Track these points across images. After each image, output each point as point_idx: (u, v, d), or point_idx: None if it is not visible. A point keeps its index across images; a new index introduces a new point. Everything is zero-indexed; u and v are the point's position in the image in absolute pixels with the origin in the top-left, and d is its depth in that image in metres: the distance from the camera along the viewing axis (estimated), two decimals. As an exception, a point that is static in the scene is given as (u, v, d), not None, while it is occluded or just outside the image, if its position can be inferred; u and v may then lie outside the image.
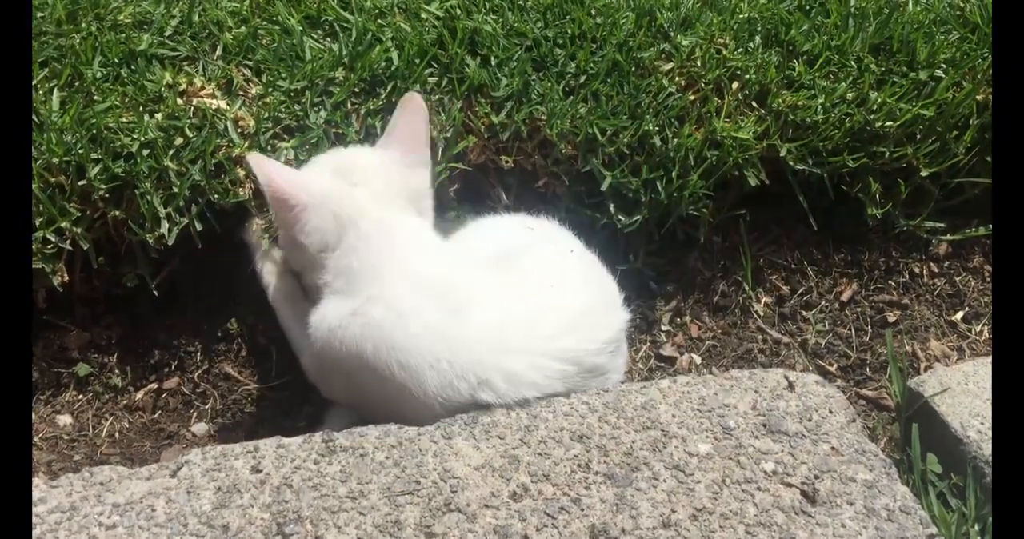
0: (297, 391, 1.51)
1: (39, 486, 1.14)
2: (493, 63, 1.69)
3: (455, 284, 1.33)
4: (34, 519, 1.09)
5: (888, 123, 1.70)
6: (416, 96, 1.43)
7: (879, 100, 1.72)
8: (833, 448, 1.25)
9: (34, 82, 1.54)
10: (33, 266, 1.39)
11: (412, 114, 1.42)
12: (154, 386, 1.52)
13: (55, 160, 1.42)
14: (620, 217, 1.63)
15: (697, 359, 1.65)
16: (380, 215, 1.37)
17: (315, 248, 1.35)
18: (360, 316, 1.28)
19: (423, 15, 1.78)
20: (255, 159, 1.31)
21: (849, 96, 1.72)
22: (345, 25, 1.73)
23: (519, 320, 1.30)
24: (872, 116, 1.70)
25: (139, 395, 1.50)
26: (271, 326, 1.57)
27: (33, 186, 1.40)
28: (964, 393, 1.44)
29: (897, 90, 1.74)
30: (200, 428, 1.46)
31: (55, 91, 1.52)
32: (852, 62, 1.79)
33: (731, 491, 1.18)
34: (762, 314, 1.72)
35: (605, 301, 1.40)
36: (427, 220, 1.46)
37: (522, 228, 1.49)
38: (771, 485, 1.20)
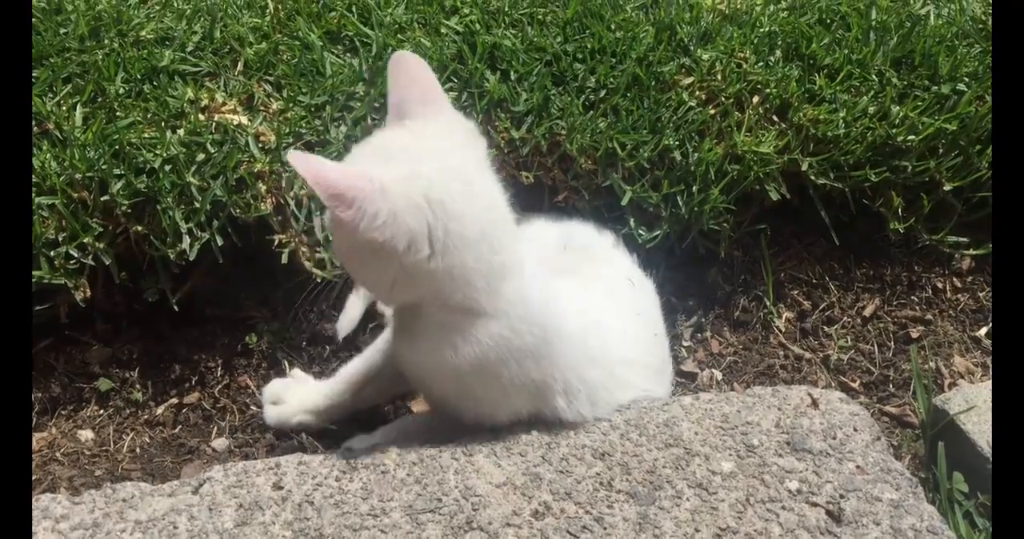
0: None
1: (61, 502, 1.14)
2: (513, 78, 1.69)
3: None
4: (57, 536, 1.09)
5: (910, 137, 1.69)
6: (404, 54, 1.18)
7: (901, 114, 1.71)
8: (858, 467, 1.24)
9: (57, 98, 1.55)
10: (55, 282, 1.39)
11: (412, 72, 1.17)
12: (175, 401, 1.52)
13: (78, 176, 1.43)
14: (641, 231, 1.62)
15: (718, 375, 1.64)
16: (472, 189, 1.14)
17: (402, 249, 1.08)
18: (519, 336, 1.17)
19: (443, 30, 1.78)
20: (297, 157, 1.02)
21: (871, 110, 1.72)
22: (365, 40, 1.74)
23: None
24: (894, 130, 1.69)
25: (160, 410, 1.51)
26: (289, 341, 1.57)
27: (56, 201, 1.40)
28: (990, 411, 1.42)
29: (919, 104, 1.73)
30: (220, 443, 1.46)
31: (78, 107, 1.53)
32: (874, 76, 1.78)
33: (755, 510, 1.17)
34: (783, 329, 1.71)
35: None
36: None
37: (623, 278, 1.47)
38: (796, 504, 1.18)
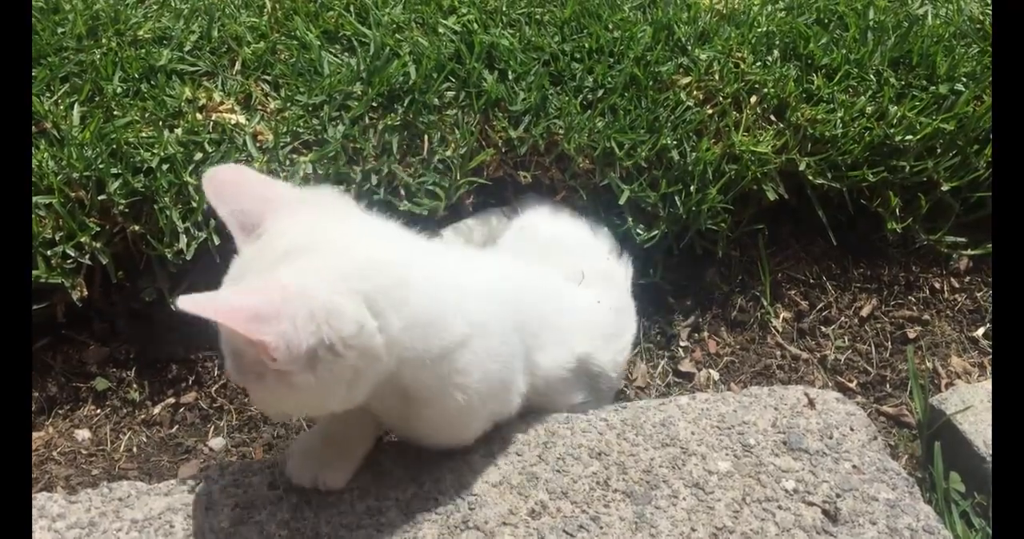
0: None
1: (58, 501, 1.14)
2: (510, 77, 1.69)
3: None
4: (53, 535, 1.09)
5: (908, 137, 1.69)
6: (216, 170, 1.08)
7: (899, 114, 1.71)
8: (855, 466, 1.24)
9: (55, 97, 1.55)
10: (52, 281, 1.39)
11: (234, 180, 1.07)
12: (172, 400, 1.52)
13: (75, 175, 1.42)
14: (639, 231, 1.62)
15: (715, 375, 1.64)
16: (375, 239, 1.10)
17: (350, 333, 0.97)
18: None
19: (440, 30, 1.78)
20: (186, 301, 0.89)
21: (868, 110, 1.72)
22: (363, 40, 1.74)
23: None
24: (892, 130, 1.69)
25: (157, 409, 1.51)
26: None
27: (53, 201, 1.40)
28: (987, 411, 1.43)
29: (917, 104, 1.73)
30: (217, 443, 1.46)
31: (75, 106, 1.53)
32: (871, 76, 1.78)
33: (752, 510, 1.17)
34: (780, 329, 1.71)
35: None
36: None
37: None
38: (792, 504, 1.18)
